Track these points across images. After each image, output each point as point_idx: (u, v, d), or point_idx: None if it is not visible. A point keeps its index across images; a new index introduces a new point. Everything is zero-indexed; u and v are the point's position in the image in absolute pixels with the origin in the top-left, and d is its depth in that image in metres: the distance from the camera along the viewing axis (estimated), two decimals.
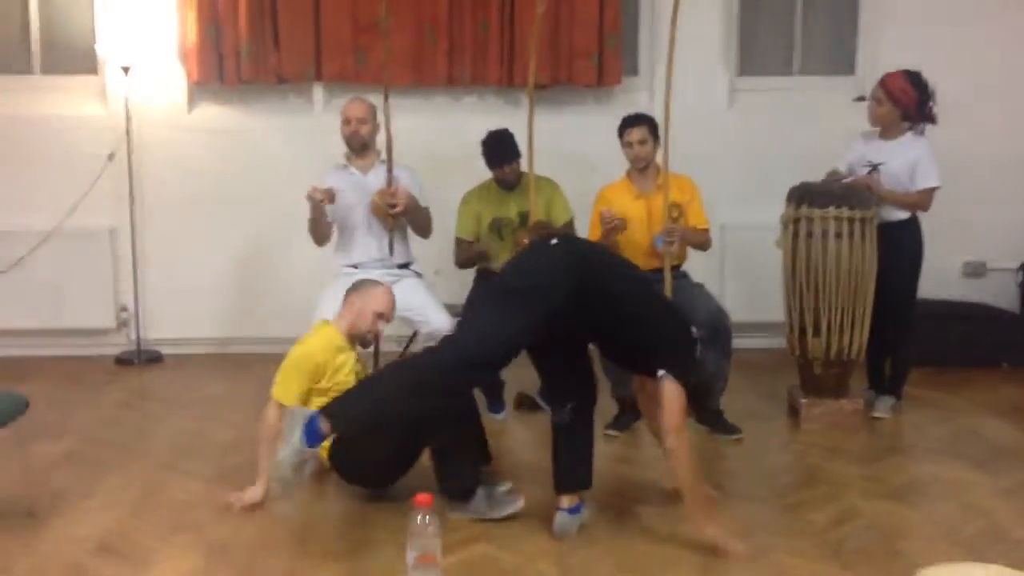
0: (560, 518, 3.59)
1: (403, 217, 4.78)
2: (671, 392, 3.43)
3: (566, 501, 3.62)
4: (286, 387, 3.90)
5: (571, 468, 3.66)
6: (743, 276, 6.08)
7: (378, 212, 4.75)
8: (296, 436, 3.31)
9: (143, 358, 6.06)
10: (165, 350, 6.17)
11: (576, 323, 3.46)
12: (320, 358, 3.92)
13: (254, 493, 3.86)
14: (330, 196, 4.62)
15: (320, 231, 4.82)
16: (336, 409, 3.42)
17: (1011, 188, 6.26)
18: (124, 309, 6.15)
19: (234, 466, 4.33)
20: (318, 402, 3.73)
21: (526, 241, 4.77)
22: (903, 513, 3.80)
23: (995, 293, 6.34)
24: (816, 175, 4.92)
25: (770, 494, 3.98)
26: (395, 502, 3.83)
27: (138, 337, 6.11)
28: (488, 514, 3.70)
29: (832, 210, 4.66)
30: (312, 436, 3.32)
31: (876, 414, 4.93)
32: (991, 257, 6.35)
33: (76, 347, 6.15)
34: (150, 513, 3.84)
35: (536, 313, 3.37)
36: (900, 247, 4.82)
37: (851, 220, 4.65)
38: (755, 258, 5.99)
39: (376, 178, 4.83)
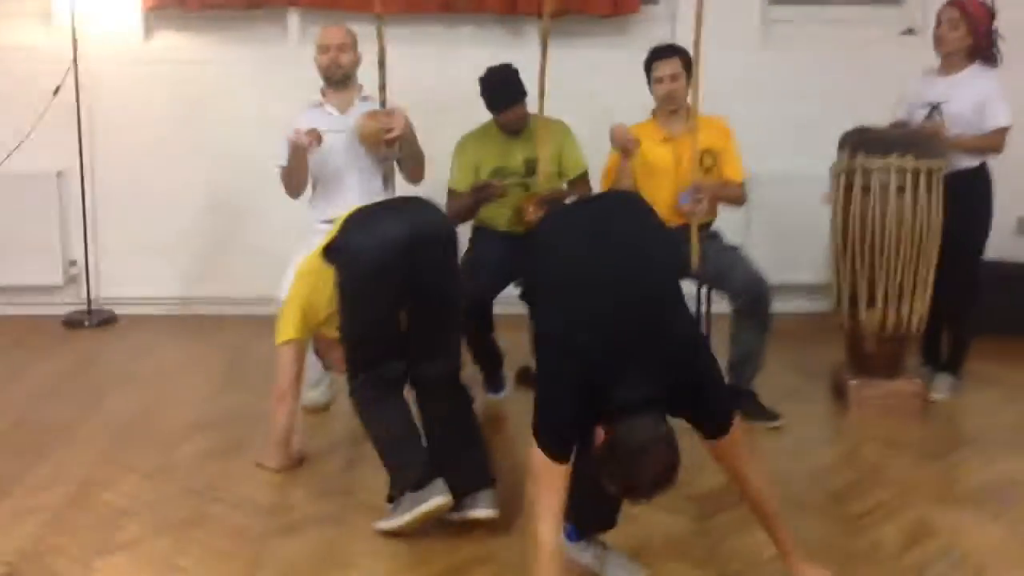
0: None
1: (398, 147, 4.07)
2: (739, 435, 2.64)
3: None
4: (287, 325, 3.42)
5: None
6: (774, 233, 5.39)
7: (370, 139, 4.03)
8: None
9: (94, 319, 5.39)
10: (119, 310, 5.51)
11: None
12: (312, 278, 3.36)
13: (268, 460, 3.58)
14: (317, 137, 3.94)
15: (297, 180, 4.12)
16: None
17: None
18: (73, 263, 5.49)
19: (187, 457, 3.68)
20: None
21: (531, 210, 4.08)
22: (986, 529, 3.14)
23: None
24: (859, 120, 4.20)
25: (824, 502, 3.32)
26: (371, 513, 3.18)
27: (88, 296, 5.45)
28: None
29: (895, 159, 3.96)
30: None
31: (934, 396, 4.28)
32: None
33: (19, 306, 5.50)
34: (75, 525, 3.17)
35: None
36: (967, 200, 4.15)
37: (916, 172, 3.96)
38: (788, 213, 5.33)
39: (355, 115, 4.12)
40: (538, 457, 2.48)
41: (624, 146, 3.95)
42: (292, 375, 3.46)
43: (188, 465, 3.61)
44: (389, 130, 3.95)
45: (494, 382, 4.31)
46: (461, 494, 3.09)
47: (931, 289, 4.10)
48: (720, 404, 2.58)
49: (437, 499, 3.03)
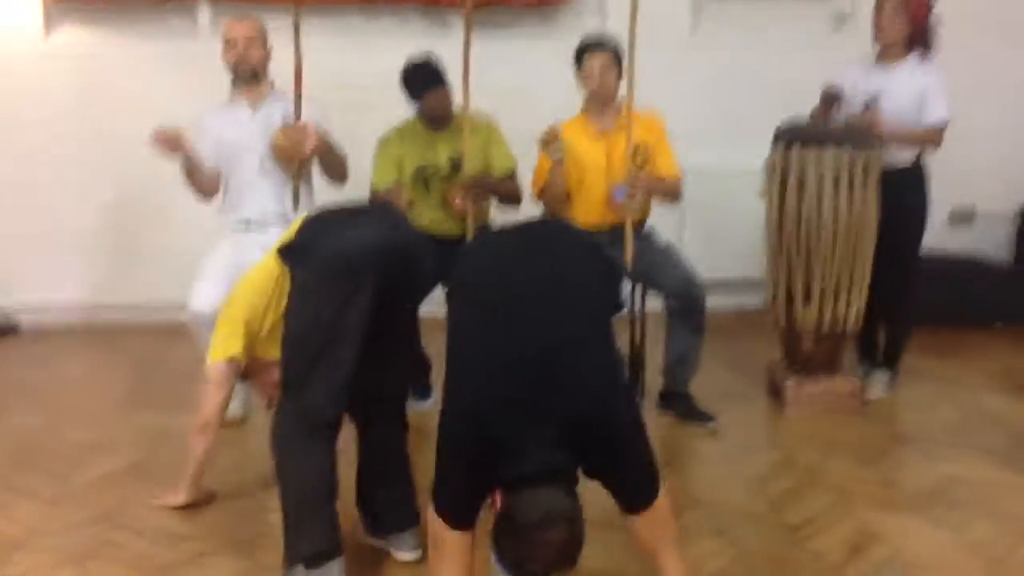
0: None
1: (311, 160, 3.85)
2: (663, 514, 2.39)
3: None
4: (229, 339, 2.99)
5: None
6: (707, 227, 5.27)
7: (282, 155, 3.83)
8: None
9: None
10: (22, 318, 5.22)
11: None
12: (262, 283, 2.96)
13: (176, 496, 3.25)
14: (175, 143, 3.68)
15: (198, 182, 3.89)
16: None
17: (1006, 120, 5.51)
18: None
19: (89, 481, 3.43)
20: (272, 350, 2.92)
21: (458, 200, 3.90)
22: (930, 535, 3.02)
23: (982, 242, 5.64)
24: (794, 112, 4.07)
25: (763, 511, 3.18)
26: None
27: None
28: None
29: (831, 153, 3.83)
30: None
31: (872, 394, 4.17)
32: (980, 201, 5.63)
33: None
34: None
35: None
36: (905, 195, 4.03)
37: (852, 164, 3.84)
38: (721, 208, 5.23)
39: (269, 115, 3.90)
40: (437, 524, 2.27)
41: (550, 152, 3.80)
42: (220, 400, 3.07)
43: (89, 489, 3.37)
44: (300, 147, 3.76)
45: (420, 389, 4.11)
46: (386, 531, 2.93)
47: (868, 285, 3.99)
48: (640, 475, 2.28)
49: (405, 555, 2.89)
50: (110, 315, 5.23)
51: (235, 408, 3.94)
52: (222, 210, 3.99)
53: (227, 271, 3.75)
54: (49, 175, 5.13)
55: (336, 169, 3.97)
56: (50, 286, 5.21)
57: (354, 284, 2.66)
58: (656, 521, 2.31)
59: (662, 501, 2.31)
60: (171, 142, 3.66)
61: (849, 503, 3.22)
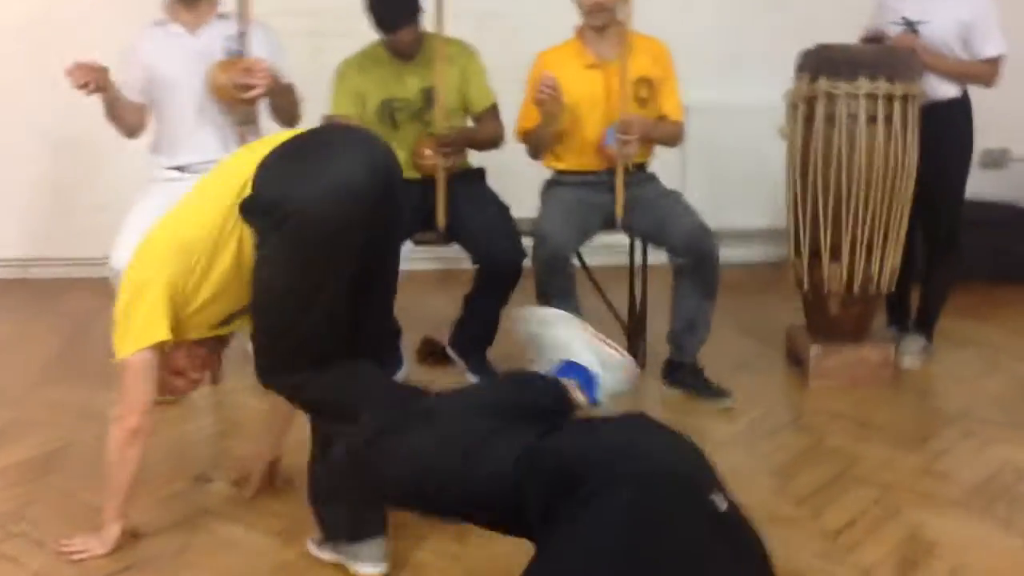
0: None
1: (258, 103, 3.28)
2: None
3: None
4: (150, 322, 2.27)
5: None
6: (714, 171, 4.71)
7: (224, 96, 3.24)
8: None
9: None
10: None
11: None
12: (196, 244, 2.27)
13: (102, 539, 2.45)
14: (97, 81, 3.08)
15: (119, 117, 3.31)
16: None
17: None
18: None
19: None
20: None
21: (428, 154, 3.34)
22: (999, 542, 2.49)
23: (1016, 189, 5.09)
24: (821, 37, 3.49)
25: (794, 513, 2.65)
26: (227, 551, 2.43)
27: None
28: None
29: (865, 83, 3.27)
30: None
31: (906, 363, 3.65)
32: (1015, 143, 5.08)
33: None
34: None
35: None
36: (947, 136, 3.51)
37: (890, 98, 3.28)
38: (731, 149, 4.66)
39: (211, 41, 3.31)
40: None
41: (544, 102, 3.21)
42: (149, 397, 2.35)
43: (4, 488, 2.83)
44: (247, 88, 3.16)
45: (389, 361, 3.56)
46: (348, 539, 2.36)
47: (904, 239, 3.46)
48: None
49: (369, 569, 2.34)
50: (45, 269, 4.71)
51: None
52: (153, 151, 3.42)
53: (153, 222, 3.19)
54: None
55: (287, 112, 3.39)
56: None
57: (345, 242, 2.17)
58: None
59: None
60: (89, 75, 3.06)
61: (894, 500, 2.70)
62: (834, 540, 2.51)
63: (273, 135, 2.38)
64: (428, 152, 3.39)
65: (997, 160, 5.08)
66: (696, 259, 3.23)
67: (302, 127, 3.16)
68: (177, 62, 3.30)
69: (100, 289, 4.07)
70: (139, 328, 2.26)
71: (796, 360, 3.64)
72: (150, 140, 3.42)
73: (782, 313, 3.96)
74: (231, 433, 3.20)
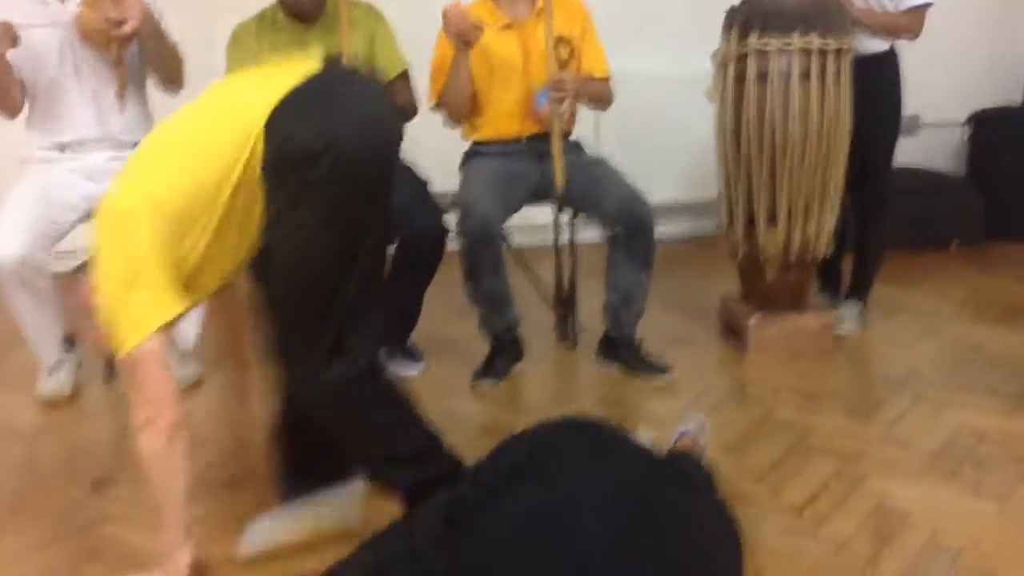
0: None
1: (133, 45, 2.97)
2: None
3: None
4: (157, 302, 1.88)
5: None
6: (632, 142, 4.53)
7: (91, 36, 2.94)
8: None
9: None
10: None
11: None
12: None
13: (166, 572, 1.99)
14: (9, 37, 2.78)
15: (6, 91, 2.96)
16: None
17: (956, 20, 4.89)
18: None
19: None
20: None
21: None
22: (969, 506, 2.36)
23: (929, 153, 5.08)
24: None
25: (754, 489, 2.47)
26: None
27: None
28: None
29: (797, 38, 3.12)
30: None
31: (842, 329, 3.53)
32: (926, 109, 5.04)
33: None
34: None
35: None
36: (876, 92, 3.38)
37: (824, 52, 3.14)
38: (645, 119, 4.49)
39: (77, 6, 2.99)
40: None
41: (461, 34, 2.97)
42: (172, 384, 1.95)
43: None
44: (119, 23, 2.85)
45: (404, 349, 3.31)
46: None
47: (840, 200, 3.33)
48: None
49: None
50: None
51: (63, 382, 3.09)
52: (28, 128, 3.09)
53: (37, 208, 2.90)
54: None
55: (167, 64, 3.10)
56: None
57: (383, 187, 1.97)
58: None
59: None
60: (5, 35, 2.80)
61: (856, 470, 2.55)
62: (799, 515, 2.34)
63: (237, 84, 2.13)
64: None
65: (909, 127, 5.03)
66: (631, 227, 3.04)
67: (189, 93, 2.93)
68: (47, 29, 2.98)
69: None
70: (140, 312, 1.88)
71: (732, 332, 3.48)
72: (23, 117, 3.08)
73: (712, 286, 3.82)
74: (128, 435, 2.88)
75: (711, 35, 3.34)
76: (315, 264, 1.90)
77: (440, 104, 3.22)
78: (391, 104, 2.09)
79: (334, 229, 1.89)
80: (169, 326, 1.90)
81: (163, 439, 1.92)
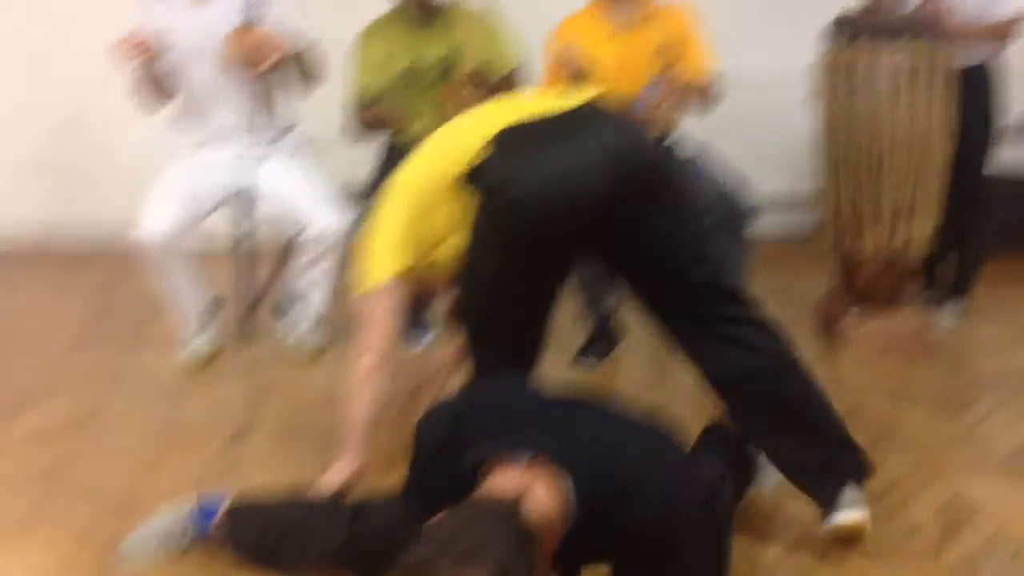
0: None
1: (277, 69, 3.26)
2: None
3: None
4: (390, 252, 2.27)
5: None
6: (734, 137, 4.64)
7: (236, 64, 3.24)
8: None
9: None
10: None
11: None
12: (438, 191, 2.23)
13: (339, 471, 2.39)
14: (150, 52, 3.10)
15: (150, 93, 3.29)
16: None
17: None
18: None
19: (26, 434, 2.89)
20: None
21: (464, 92, 3.30)
22: None
23: None
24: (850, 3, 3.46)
25: None
26: None
27: None
28: None
29: (902, 48, 3.23)
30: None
31: (942, 325, 3.63)
32: None
33: None
34: None
35: None
36: (975, 99, 3.46)
37: (927, 62, 3.24)
38: (752, 116, 4.58)
39: (220, 11, 3.26)
40: None
41: (573, 72, 3.19)
42: (390, 332, 2.32)
43: (27, 445, 2.82)
44: (260, 61, 3.16)
45: (414, 322, 3.55)
46: None
47: (941, 204, 3.42)
48: None
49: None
50: (66, 240, 4.65)
51: (207, 343, 3.41)
52: (177, 124, 3.40)
53: (181, 194, 3.23)
54: None
55: (309, 73, 3.39)
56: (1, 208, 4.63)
57: (560, 246, 2.20)
58: None
59: None
60: (145, 50, 3.11)
61: (934, 465, 2.68)
62: (878, 501, 2.48)
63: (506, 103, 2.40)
64: (464, 92, 3.33)
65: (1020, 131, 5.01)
66: (725, 213, 3.16)
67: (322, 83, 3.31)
68: (189, 35, 3.26)
69: (121, 260, 4.10)
70: (376, 261, 2.25)
71: (828, 328, 3.60)
72: (172, 113, 3.40)
73: (809, 282, 3.92)
74: (261, 395, 3.18)
75: (810, 37, 3.47)
76: (474, 269, 2.19)
77: None
78: (620, 172, 2.11)
79: (495, 251, 2.13)
80: (407, 289, 2.27)
81: (361, 375, 2.31)
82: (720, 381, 2.27)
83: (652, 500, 1.69)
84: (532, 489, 1.64)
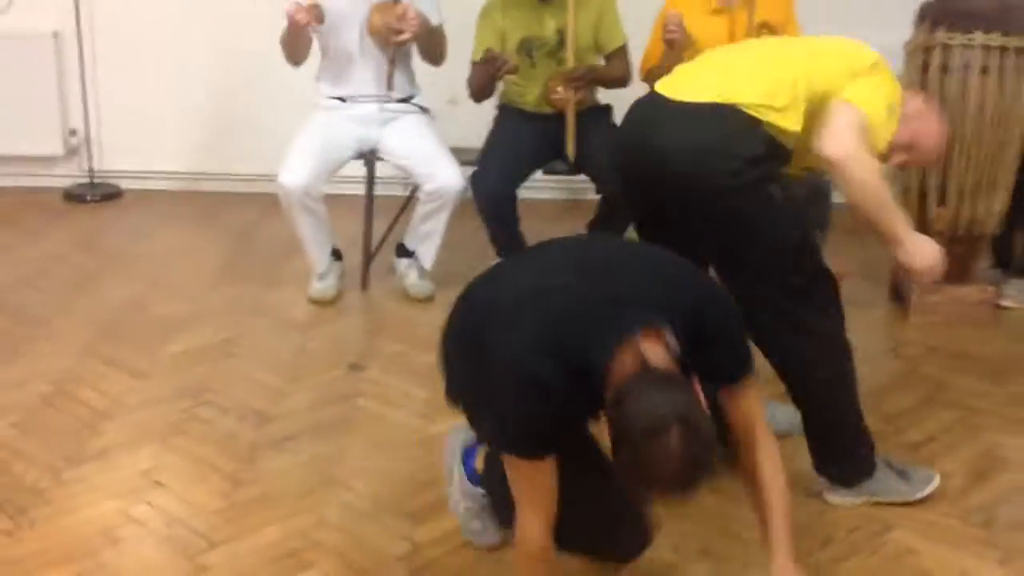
0: None
1: (405, 47, 3.67)
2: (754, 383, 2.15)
3: None
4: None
5: None
6: None
7: (377, 34, 3.62)
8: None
9: (97, 193, 5.03)
10: (125, 184, 5.13)
11: None
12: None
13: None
14: (316, 16, 3.52)
15: (296, 52, 3.70)
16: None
17: None
18: (73, 133, 5.07)
19: (178, 354, 3.37)
20: None
21: (560, 90, 3.65)
22: None
23: None
24: None
25: (881, 426, 2.90)
26: (375, 426, 2.86)
27: (91, 167, 5.07)
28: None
29: (980, 36, 3.45)
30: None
31: (1005, 301, 3.85)
32: None
33: (17, 176, 5.13)
34: (47, 429, 2.89)
35: None
36: None
37: (1005, 50, 3.45)
38: None
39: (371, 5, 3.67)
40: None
41: (672, 39, 3.46)
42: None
43: (177, 364, 3.30)
44: (398, 31, 3.56)
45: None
46: None
47: (1012, 185, 3.64)
48: (741, 340, 2.05)
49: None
50: (210, 184, 5.11)
51: (329, 287, 3.84)
52: (318, 80, 3.83)
53: (319, 147, 3.64)
54: (148, 39, 4.95)
55: (433, 52, 3.81)
56: (153, 153, 5.09)
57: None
58: (753, 396, 2.05)
59: (753, 380, 2.07)
60: (312, 15, 3.52)
61: (975, 423, 2.97)
62: (914, 452, 2.79)
63: None
64: (559, 88, 3.68)
65: None
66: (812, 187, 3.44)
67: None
68: (343, 6, 3.66)
69: (262, 203, 4.57)
70: None
71: (899, 296, 3.87)
72: (316, 69, 3.81)
73: (887, 253, 4.15)
74: (377, 331, 3.62)
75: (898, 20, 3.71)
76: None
77: (646, 80, 3.71)
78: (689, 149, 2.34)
79: None
80: None
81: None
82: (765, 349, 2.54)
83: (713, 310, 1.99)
84: (654, 352, 1.80)
